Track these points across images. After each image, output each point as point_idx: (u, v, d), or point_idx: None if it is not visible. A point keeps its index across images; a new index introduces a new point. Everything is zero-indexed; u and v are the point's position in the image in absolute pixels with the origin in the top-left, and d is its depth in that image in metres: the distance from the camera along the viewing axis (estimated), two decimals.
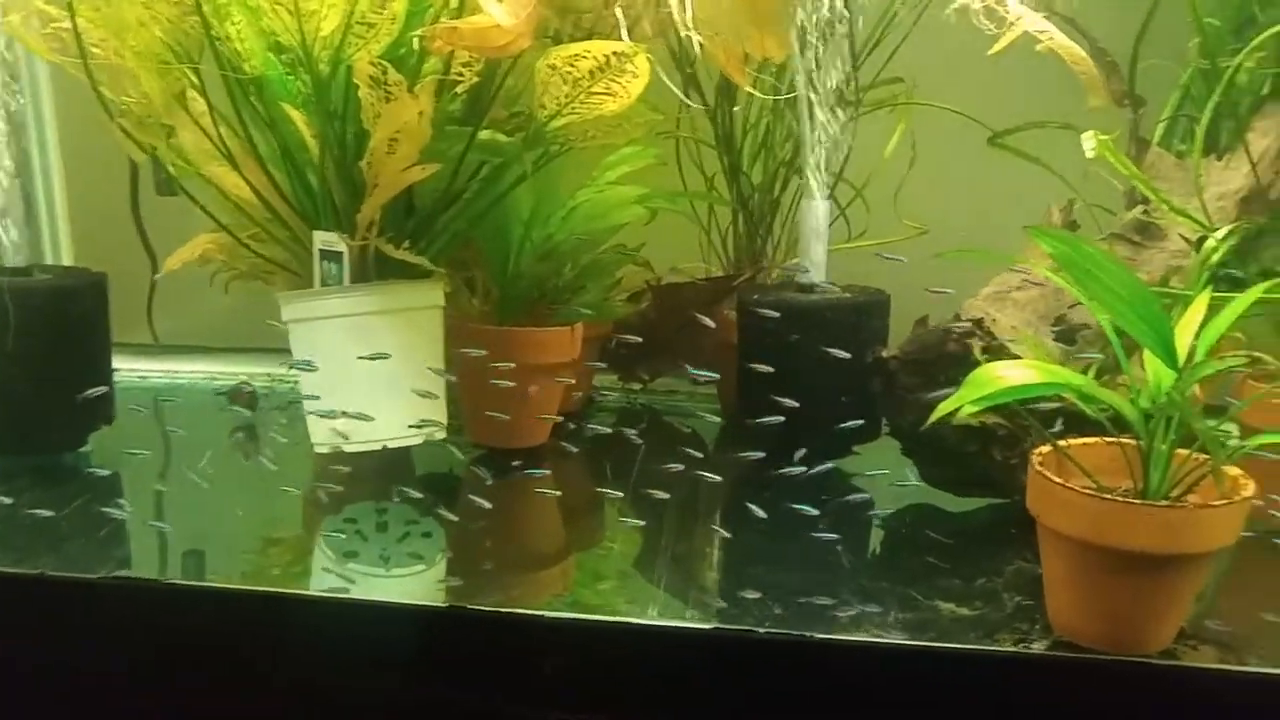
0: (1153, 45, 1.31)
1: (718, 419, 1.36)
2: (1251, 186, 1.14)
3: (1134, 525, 0.77)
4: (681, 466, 0.95)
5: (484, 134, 1.02)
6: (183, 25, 0.95)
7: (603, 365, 1.35)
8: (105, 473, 1.18)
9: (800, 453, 1.03)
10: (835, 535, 1.02)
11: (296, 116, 0.97)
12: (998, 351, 1.06)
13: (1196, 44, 1.24)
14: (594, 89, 0.94)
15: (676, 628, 0.81)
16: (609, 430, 1.20)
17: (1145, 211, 1.15)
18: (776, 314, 1.13)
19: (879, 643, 0.79)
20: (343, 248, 1.03)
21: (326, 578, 0.96)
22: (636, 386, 1.46)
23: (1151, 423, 0.80)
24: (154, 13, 0.94)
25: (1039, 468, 0.82)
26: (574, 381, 1.26)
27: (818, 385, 1.15)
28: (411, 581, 0.96)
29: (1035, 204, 1.21)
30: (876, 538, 1.09)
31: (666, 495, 0.97)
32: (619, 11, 0.93)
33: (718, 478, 0.92)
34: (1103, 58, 1.34)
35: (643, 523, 1.09)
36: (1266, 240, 1.15)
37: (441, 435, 1.11)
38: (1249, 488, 0.79)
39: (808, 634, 0.79)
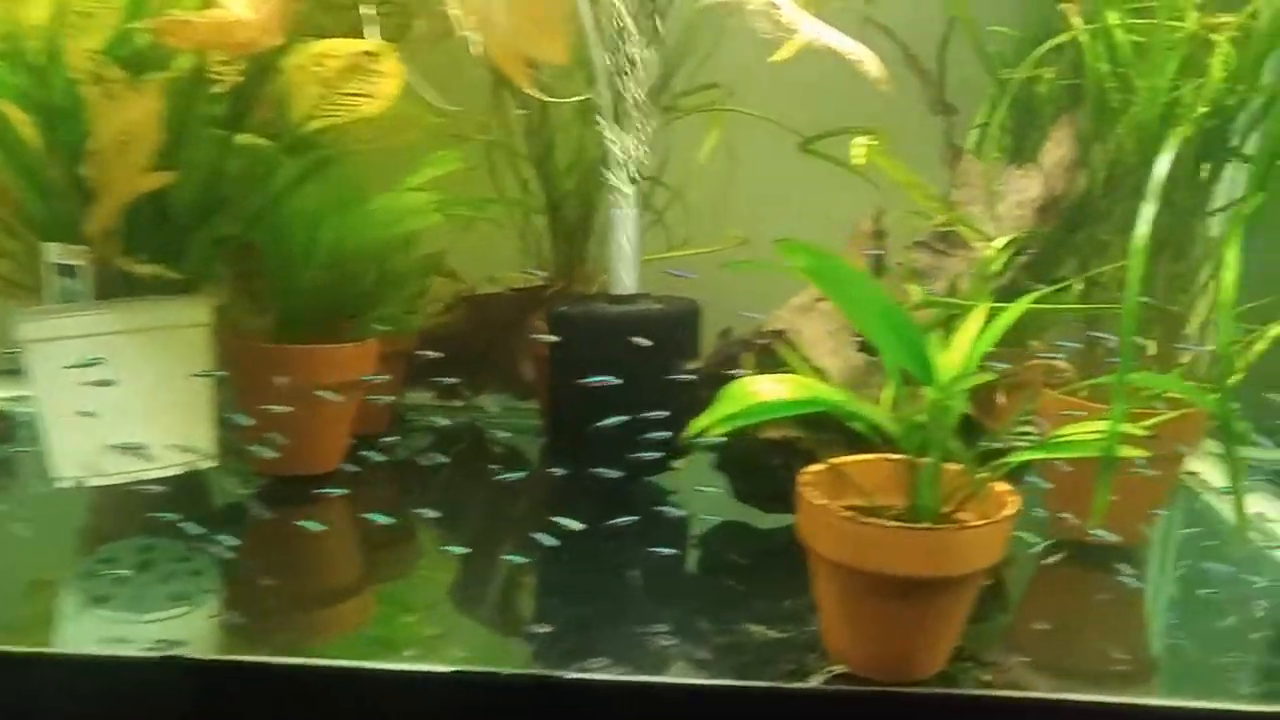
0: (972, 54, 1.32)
1: (537, 436, 1.32)
2: (1046, 195, 1.14)
3: (893, 549, 0.74)
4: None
5: (243, 137, 0.94)
6: None
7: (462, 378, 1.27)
8: None
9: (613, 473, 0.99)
10: (634, 557, 0.98)
11: (14, 113, 0.87)
12: (790, 364, 1.03)
13: (996, 54, 1.24)
14: (347, 90, 0.87)
15: (416, 671, 0.74)
16: (409, 453, 1.14)
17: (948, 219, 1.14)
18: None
19: (632, 681, 0.74)
20: (83, 261, 0.93)
21: (68, 628, 0.87)
22: (456, 404, 1.39)
23: (914, 439, 0.78)
24: None
25: (804, 487, 0.79)
26: (379, 400, 1.18)
27: (628, 398, 1.11)
28: (169, 626, 0.87)
29: (864, 210, 1.19)
30: (676, 561, 1.05)
31: (438, 514, 0.90)
32: (368, 9, 0.86)
33: (576, 525, 0.86)
34: (916, 65, 1.34)
35: (433, 551, 1.02)
36: (1062, 250, 1.16)
37: (210, 463, 1.02)
38: (1012, 504, 0.77)
39: (555, 673, 0.74)
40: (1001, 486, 0.80)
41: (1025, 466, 1.07)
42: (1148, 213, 0.80)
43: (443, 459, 1.00)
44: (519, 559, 0.94)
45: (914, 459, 0.78)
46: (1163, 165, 0.83)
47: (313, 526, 0.86)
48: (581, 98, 1.07)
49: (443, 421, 1.32)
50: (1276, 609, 0.94)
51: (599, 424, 1.01)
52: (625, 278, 1.20)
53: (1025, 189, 1.16)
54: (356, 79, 0.87)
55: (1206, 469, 1.24)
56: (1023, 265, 1.12)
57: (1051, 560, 0.99)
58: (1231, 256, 0.84)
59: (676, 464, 1.20)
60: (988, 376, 0.76)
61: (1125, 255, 1.06)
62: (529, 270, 1.35)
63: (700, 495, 1.15)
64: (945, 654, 0.80)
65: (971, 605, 0.79)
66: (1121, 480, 0.93)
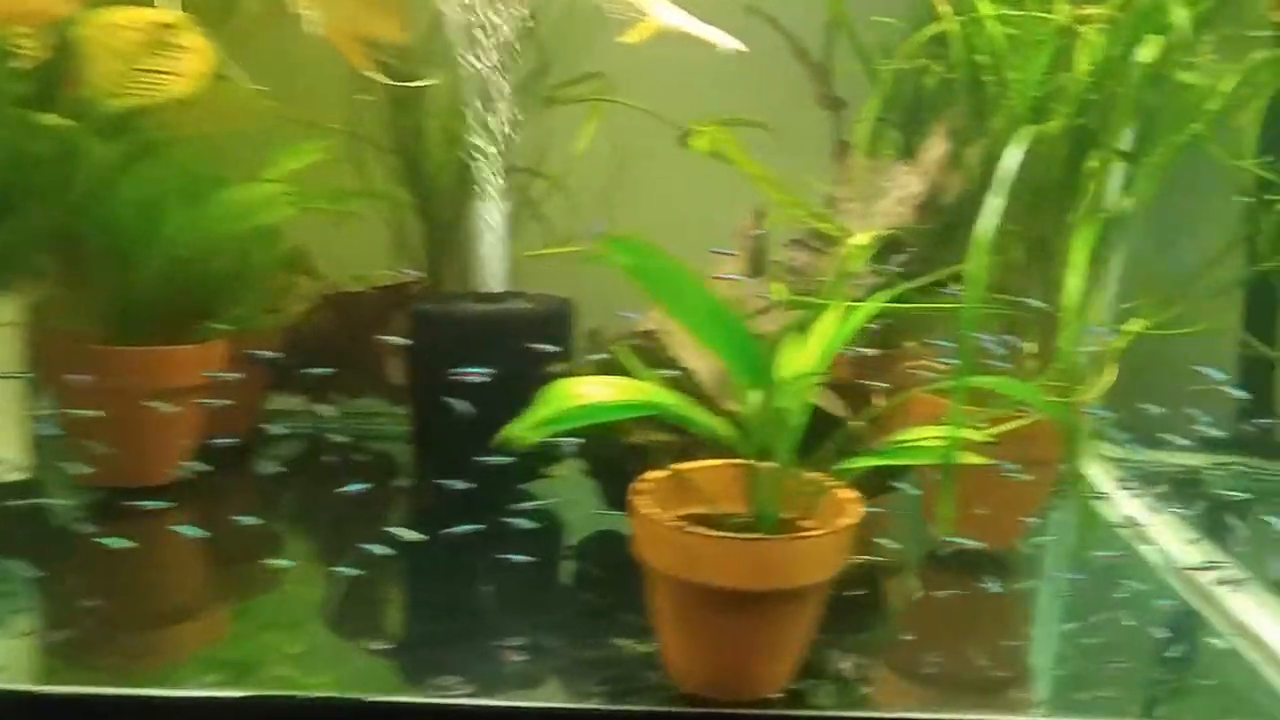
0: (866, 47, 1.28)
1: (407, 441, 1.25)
2: (928, 191, 1.11)
3: (723, 560, 0.69)
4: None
5: (46, 118, 0.86)
6: None
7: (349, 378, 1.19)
8: None
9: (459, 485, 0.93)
10: (492, 568, 0.92)
11: None
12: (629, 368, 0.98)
13: (880, 46, 1.21)
14: (149, 67, 0.80)
15: (205, 697, 0.67)
16: (261, 460, 1.06)
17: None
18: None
19: (445, 704, 0.68)
20: None
21: None
22: (323, 408, 1.32)
23: (752, 442, 0.73)
24: None
25: (635, 496, 0.73)
26: (213, 404, 1.09)
27: (494, 401, 1.05)
28: None
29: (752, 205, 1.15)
30: (538, 571, 0.99)
31: (279, 525, 0.84)
32: None
33: (414, 535, 0.80)
34: (804, 57, 1.30)
35: (267, 567, 0.95)
36: (942, 248, 1.13)
37: (19, 475, 0.94)
38: (853, 513, 0.73)
39: (361, 696, 0.68)
40: (846, 494, 0.75)
41: (902, 473, 1.03)
42: (994, 206, 0.77)
43: (282, 468, 0.93)
44: (352, 572, 0.88)
45: (753, 464, 0.74)
46: (1013, 158, 0.79)
47: (115, 543, 0.79)
48: (431, 82, 1.00)
49: (295, 429, 1.24)
50: (1132, 615, 0.92)
51: (458, 427, 0.95)
52: (492, 275, 1.15)
53: (908, 185, 1.12)
54: (158, 55, 0.80)
55: (1095, 473, 1.22)
56: (901, 264, 1.09)
57: (915, 569, 0.96)
58: (1079, 258, 0.80)
59: (550, 470, 1.15)
60: (812, 379, 0.71)
61: (999, 253, 1.04)
62: (400, 268, 1.28)
63: (573, 502, 1.10)
64: (788, 671, 0.75)
65: (817, 618, 0.74)
66: (993, 486, 0.90)
